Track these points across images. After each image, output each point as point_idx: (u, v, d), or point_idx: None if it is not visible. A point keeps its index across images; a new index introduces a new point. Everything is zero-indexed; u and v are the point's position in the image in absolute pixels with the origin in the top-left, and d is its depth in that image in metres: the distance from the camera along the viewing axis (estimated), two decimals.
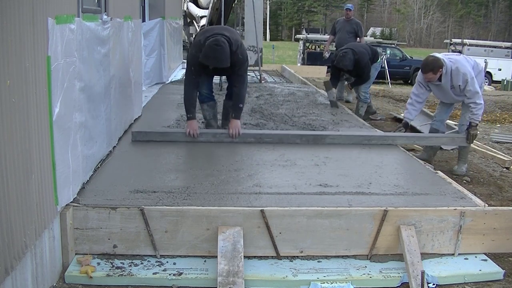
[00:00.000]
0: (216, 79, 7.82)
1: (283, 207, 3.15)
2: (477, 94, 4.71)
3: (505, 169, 5.58)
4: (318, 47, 20.01)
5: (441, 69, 4.73)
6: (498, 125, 8.75)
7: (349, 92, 8.58)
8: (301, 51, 19.78)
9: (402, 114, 6.80)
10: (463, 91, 4.76)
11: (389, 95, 11.34)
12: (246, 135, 4.83)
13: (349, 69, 7.04)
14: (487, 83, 18.82)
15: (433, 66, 4.74)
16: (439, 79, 4.80)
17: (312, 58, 18.43)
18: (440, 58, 4.79)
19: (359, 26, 9.07)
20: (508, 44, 21.98)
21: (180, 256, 3.08)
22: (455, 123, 6.68)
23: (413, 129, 7.02)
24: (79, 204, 3.06)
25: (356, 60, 6.92)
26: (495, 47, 21.31)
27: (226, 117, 5.12)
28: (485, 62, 16.94)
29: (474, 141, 5.18)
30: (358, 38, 8.95)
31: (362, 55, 7.00)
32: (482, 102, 4.78)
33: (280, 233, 3.10)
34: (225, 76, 5.52)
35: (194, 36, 15.01)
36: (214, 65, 4.43)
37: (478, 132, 4.88)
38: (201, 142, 4.73)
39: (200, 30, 14.03)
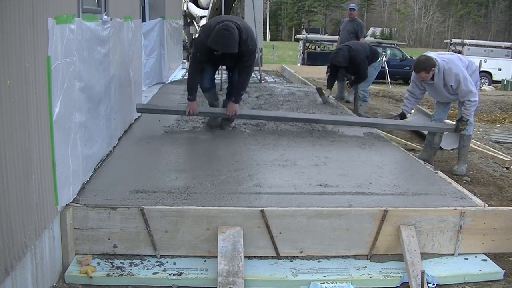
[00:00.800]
0: (217, 79, 7.85)
1: (283, 207, 3.15)
2: (471, 93, 4.75)
3: (505, 169, 5.57)
4: (318, 47, 20.01)
5: (433, 68, 4.77)
6: (498, 125, 8.76)
7: (349, 92, 8.59)
8: (301, 51, 19.77)
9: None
10: (456, 91, 4.80)
11: (389, 95, 11.35)
12: (243, 116, 5.20)
13: (344, 66, 7.14)
14: (487, 83, 18.84)
15: (425, 66, 4.79)
16: (432, 78, 4.84)
17: (312, 58, 18.42)
18: (432, 57, 4.83)
19: (360, 26, 9.07)
20: (508, 44, 21.95)
21: (180, 256, 3.08)
22: (454, 123, 6.68)
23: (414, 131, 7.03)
24: (79, 204, 3.06)
25: (352, 56, 7.00)
26: (495, 47, 21.27)
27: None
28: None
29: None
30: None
31: (357, 52, 7.06)
32: (477, 99, 4.84)
33: (280, 233, 3.10)
34: (226, 77, 5.54)
35: (194, 36, 15.04)
36: (222, 50, 4.43)
37: (467, 126, 4.95)
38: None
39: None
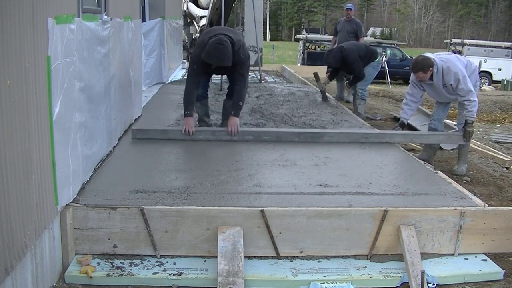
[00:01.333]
0: (217, 78, 7.87)
1: (283, 207, 3.15)
2: (470, 92, 4.75)
3: (505, 169, 5.58)
4: (318, 47, 20.01)
5: (431, 68, 4.78)
6: (498, 125, 8.75)
7: (349, 92, 8.61)
8: (301, 51, 19.76)
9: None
10: (455, 90, 4.80)
11: (389, 95, 11.34)
12: (245, 133, 4.87)
13: (335, 66, 7.43)
14: (487, 83, 18.84)
15: (422, 66, 4.79)
16: (431, 78, 4.84)
17: (312, 58, 18.41)
18: (430, 58, 4.84)
19: (359, 26, 9.12)
20: (508, 44, 21.94)
21: (180, 256, 3.08)
22: (454, 123, 6.68)
23: (412, 129, 7.04)
24: (79, 204, 3.06)
25: (344, 57, 7.17)
26: (495, 47, 21.26)
27: (226, 117, 5.13)
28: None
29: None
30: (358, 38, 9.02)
31: (350, 51, 7.21)
32: (476, 99, 4.83)
33: (280, 233, 3.10)
34: (225, 76, 5.55)
35: (194, 36, 15.05)
36: (216, 64, 4.50)
37: (474, 129, 4.91)
38: (200, 140, 4.75)
39: (200, 30, 14.05)
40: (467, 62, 4.99)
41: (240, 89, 4.77)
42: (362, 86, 7.52)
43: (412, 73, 5.01)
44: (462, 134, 4.94)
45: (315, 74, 7.68)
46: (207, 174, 3.79)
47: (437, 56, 4.90)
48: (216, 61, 4.47)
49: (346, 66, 7.30)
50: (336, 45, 9.22)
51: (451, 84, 4.77)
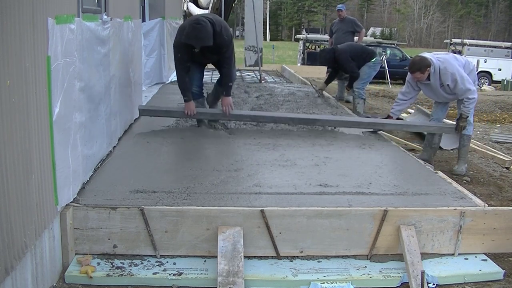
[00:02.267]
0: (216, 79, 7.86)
1: (283, 207, 3.15)
2: (469, 91, 4.76)
3: (505, 169, 5.57)
4: (318, 47, 20.01)
5: (428, 68, 4.78)
6: (498, 125, 8.75)
7: (348, 92, 8.63)
8: (301, 51, 19.76)
9: (403, 114, 6.88)
10: (453, 90, 4.80)
11: (389, 95, 11.33)
12: (242, 116, 5.30)
13: (327, 66, 8.11)
14: (487, 83, 18.84)
15: (420, 66, 4.80)
16: (428, 78, 4.84)
17: (312, 58, 18.38)
18: (427, 58, 4.85)
19: (354, 22, 9.29)
20: (508, 44, 21.94)
21: (180, 256, 3.08)
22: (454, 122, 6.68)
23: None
24: (79, 204, 3.06)
25: (336, 57, 7.36)
26: (495, 47, 21.26)
27: (217, 97, 5.31)
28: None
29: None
30: (357, 35, 9.10)
31: (341, 52, 7.39)
32: (475, 96, 4.85)
33: (280, 233, 3.10)
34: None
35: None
36: (197, 44, 4.50)
37: (466, 124, 4.95)
38: (201, 120, 5.21)
39: None
40: (465, 62, 5.00)
41: (227, 71, 4.91)
42: (359, 85, 7.56)
43: (409, 72, 5.02)
44: (455, 127, 5.00)
45: (311, 82, 8.27)
46: (207, 174, 3.79)
47: (434, 56, 4.90)
48: (196, 41, 4.46)
49: (339, 66, 7.52)
50: (333, 46, 9.31)
51: (448, 84, 4.78)
